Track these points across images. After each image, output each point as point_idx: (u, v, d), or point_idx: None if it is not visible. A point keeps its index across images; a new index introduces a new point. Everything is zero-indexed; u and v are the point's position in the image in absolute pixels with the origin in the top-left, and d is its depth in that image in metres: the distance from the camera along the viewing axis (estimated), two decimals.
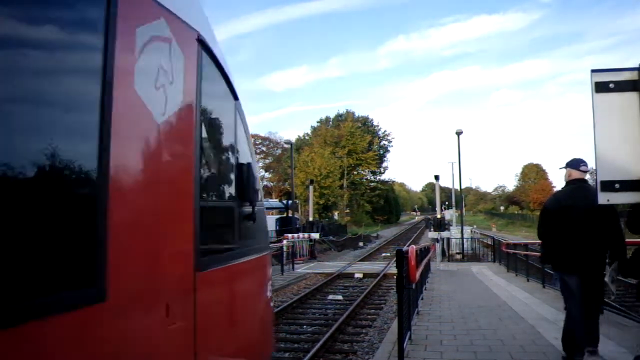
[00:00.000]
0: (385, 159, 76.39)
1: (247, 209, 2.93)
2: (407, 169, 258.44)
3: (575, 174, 5.04)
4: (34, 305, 1.34)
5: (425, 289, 10.67)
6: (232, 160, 2.87)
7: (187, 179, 2.19)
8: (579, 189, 4.90)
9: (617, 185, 2.72)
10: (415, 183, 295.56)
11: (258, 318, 3.29)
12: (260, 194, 3.45)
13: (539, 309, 8.15)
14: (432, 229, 21.59)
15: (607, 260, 4.85)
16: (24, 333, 1.29)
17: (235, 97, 3.04)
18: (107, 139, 1.61)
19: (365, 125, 74.04)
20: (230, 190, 2.85)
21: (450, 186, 39.77)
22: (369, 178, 73.78)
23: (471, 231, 28.50)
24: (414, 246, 6.27)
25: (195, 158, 2.24)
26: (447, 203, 43.74)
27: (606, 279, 5.09)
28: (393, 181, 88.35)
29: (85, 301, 1.53)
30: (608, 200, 2.79)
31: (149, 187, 1.91)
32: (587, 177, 5.11)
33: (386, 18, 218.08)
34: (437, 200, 25.56)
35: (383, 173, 77.14)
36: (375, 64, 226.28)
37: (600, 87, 2.80)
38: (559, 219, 4.92)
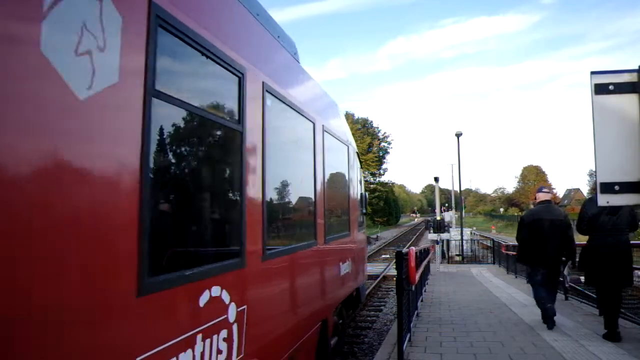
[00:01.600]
0: (384, 160, 76.56)
1: (363, 210, 7.83)
2: (406, 170, 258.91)
3: (540, 196, 7.11)
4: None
5: (424, 291, 10.67)
6: (360, 191, 7.82)
7: (357, 202, 7.57)
8: (545, 207, 6.83)
9: (616, 187, 2.71)
10: (415, 185, 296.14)
11: (364, 258, 7.99)
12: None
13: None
14: (431, 231, 21.51)
15: (563, 259, 6.83)
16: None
17: (360, 165, 7.80)
18: (348, 199, 6.84)
19: (365, 127, 74.14)
20: (360, 203, 7.67)
21: (450, 188, 39.76)
22: (368, 180, 73.78)
23: (471, 233, 28.47)
24: (413, 248, 6.27)
25: (359, 193, 7.73)
26: (446, 205, 43.67)
27: (565, 272, 7.68)
28: (393, 183, 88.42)
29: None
30: (608, 202, 2.78)
31: (355, 207, 7.28)
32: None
33: (386, 20, 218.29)
34: (436, 202, 25.53)
35: (383, 175, 77.31)
36: (375, 66, 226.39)
37: (600, 89, 2.79)
38: (531, 228, 6.76)
